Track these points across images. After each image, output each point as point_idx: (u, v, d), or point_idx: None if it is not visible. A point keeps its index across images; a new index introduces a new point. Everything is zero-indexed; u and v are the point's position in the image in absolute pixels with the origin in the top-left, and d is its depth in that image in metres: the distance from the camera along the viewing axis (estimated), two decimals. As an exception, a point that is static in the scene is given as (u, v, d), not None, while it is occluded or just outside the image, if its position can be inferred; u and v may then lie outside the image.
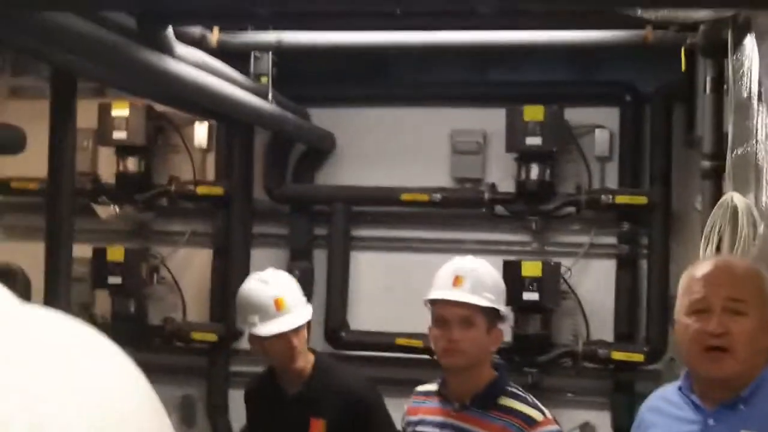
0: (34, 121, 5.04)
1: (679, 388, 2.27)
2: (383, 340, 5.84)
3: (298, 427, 3.22)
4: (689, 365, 2.24)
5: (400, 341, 5.71)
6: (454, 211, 5.88)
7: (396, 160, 6.00)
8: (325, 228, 6.03)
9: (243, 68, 5.07)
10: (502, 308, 2.79)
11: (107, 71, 4.39)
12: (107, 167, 6.25)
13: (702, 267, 2.27)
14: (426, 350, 5.62)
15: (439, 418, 2.78)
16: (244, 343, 5.71)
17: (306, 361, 3.27)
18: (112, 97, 5.91)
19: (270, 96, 5.05)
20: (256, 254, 6.09)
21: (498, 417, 2.66)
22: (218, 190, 6.00)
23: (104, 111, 5.95)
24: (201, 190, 6.05)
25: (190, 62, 4.10)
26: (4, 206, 6.53)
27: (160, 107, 5.95)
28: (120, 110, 5.92)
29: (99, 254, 5.96)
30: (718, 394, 2.18)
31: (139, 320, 6.18)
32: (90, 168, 6.23)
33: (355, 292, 6.09)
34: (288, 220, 6.11)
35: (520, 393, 2.74)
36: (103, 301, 6.29)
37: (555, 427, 2.70)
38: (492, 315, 2.75)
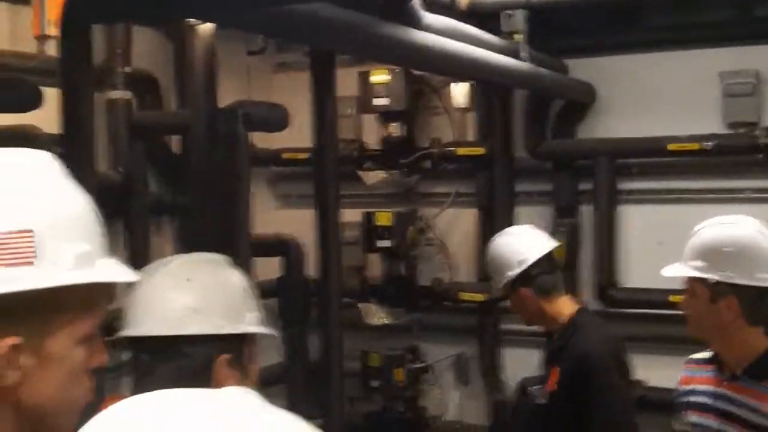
0: (298, 92, 5.21)
1: None
2: (655, 298, 5.56)
3: (547, 372, 3.39)
4: None
5: (674, 298, 5.42)
6: (727, 159, 5.49)
7: (661, 108, 5.67)
8: (590, 183, 5.83)
9: (494, 26, 4.97)
10: (716, 277, 2.51)
11: (359, 49, 4.47)
12: (372, 133, 6.39)
13: None
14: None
15: (710, 388, 2.64)
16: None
17: (558, 315, 3.36)
18: (372, 64, 6.01)
19: (523, 54, 4.92)
20: (521, 212, 6.01)
21: None
22: (479, 150, 5.97)
23: (364, 79, 6.07)
24: (462, 150, 6.04)
25: (437, 31, 4.06)
26: (278, 176, 6.85)
27: (419, 71, 6.00)
28: (379, 76, 6.01)
29: (368, 219, 6.12)
30: None
31: (409, 281, 6.30)
32: (355, 135, 6.39)
33: (624, 247, 5.86)
34: (551, 177, 5.98)
35: None
36: (374, 264, 6.46)
37: None
38: (718, 285, 2.51)
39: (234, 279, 1.97)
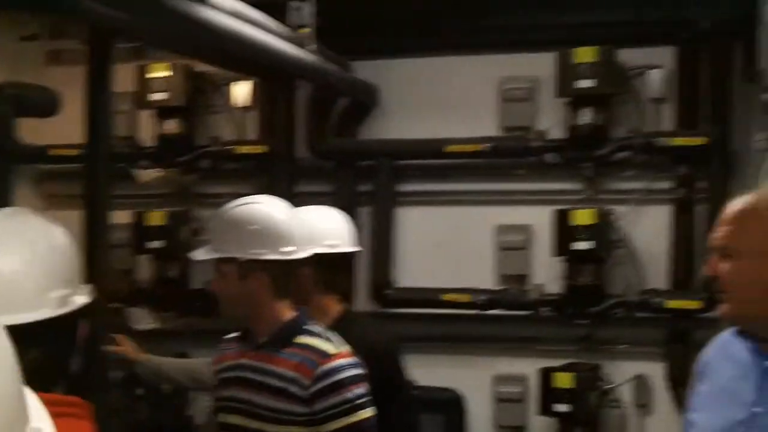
0: (71, 87, 4.91)
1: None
2: (429, 296, 5.67)
3: None
4: None
5: (447, 297, 5.56)
6: (502, 162, 5.67)
7: (443, 111, 5.79)
8: (370, 184, 5.87)
9: (281, 20, 4.88)
10: (246, 255, 2.60)
11: (140, 23, 4.23)
12: (148, 131, 6.13)
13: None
14: (473, 305, 5.49)
15: (236, 362, 2.79)
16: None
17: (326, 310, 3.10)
18: (151, 60, 5.78)
19: (310, 46, 4.86)
20: (299, 213, 5.93)
21: (294, 353, 2.66)
22: (260, 149, 5.84)
23: (141, 73, 5.82)
24: (242, 149, 5.90)
25: (224, 11, 3.94)
26: (43, 174, 6.44)
27: (200, 67, 5.84)
28: (159, 72, 5.80)
29: (139, 219, 5.86)
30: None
31: (181, 284, 6.07)
32: (129, 132, 6.12)
33: (402, 248, 5.92)
34: (333, 177, 5.95)
35: (317, 331, 2.71)
36: (145, 267, 6.19)
37: (349, 359, 2.65)
38: (247, 262, 2.62)
39: None
